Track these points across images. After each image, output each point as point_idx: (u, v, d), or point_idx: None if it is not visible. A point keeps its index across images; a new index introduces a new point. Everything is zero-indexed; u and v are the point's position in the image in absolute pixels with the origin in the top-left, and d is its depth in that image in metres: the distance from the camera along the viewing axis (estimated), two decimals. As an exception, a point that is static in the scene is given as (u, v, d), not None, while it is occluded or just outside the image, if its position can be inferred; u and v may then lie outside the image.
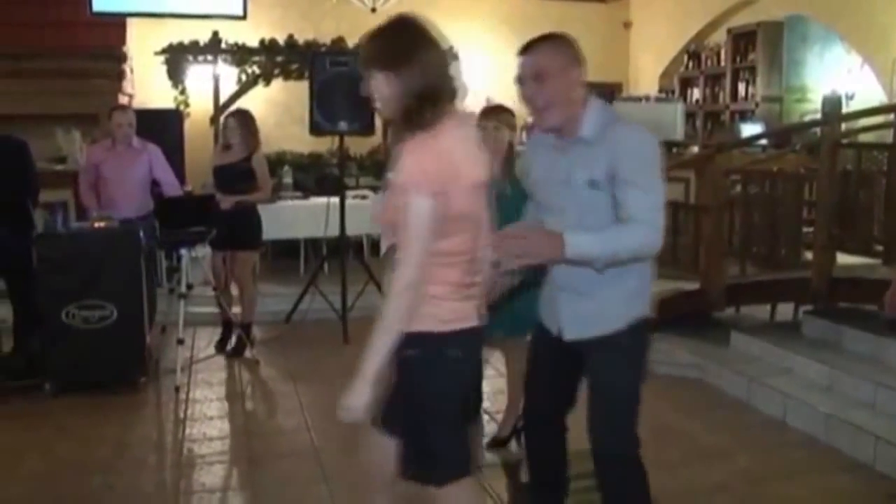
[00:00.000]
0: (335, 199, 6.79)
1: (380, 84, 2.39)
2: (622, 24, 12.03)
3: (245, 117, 6.02)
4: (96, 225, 5.28)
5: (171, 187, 6.05)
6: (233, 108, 6.68)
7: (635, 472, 2.77)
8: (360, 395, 2.36)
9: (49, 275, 5.07)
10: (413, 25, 2.44)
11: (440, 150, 2.30)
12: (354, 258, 7.26)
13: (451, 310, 2.42)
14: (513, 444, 4.31)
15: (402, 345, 2.38)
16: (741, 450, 4.37)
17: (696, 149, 9.27)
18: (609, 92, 11.57)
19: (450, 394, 2.51)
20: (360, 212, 7.49)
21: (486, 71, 10.77)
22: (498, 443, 4.31)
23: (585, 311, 2.72)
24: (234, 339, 6.10)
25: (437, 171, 2.28)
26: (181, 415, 4.94)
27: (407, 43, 2.40)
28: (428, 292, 2.37)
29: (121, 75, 8.85)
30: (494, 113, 4.12)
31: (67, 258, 5.10)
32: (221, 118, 6.17)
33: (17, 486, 3.98)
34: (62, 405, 5.00)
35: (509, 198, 3.53)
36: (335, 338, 6.36)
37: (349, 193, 6.68)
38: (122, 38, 8.91)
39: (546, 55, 2.65)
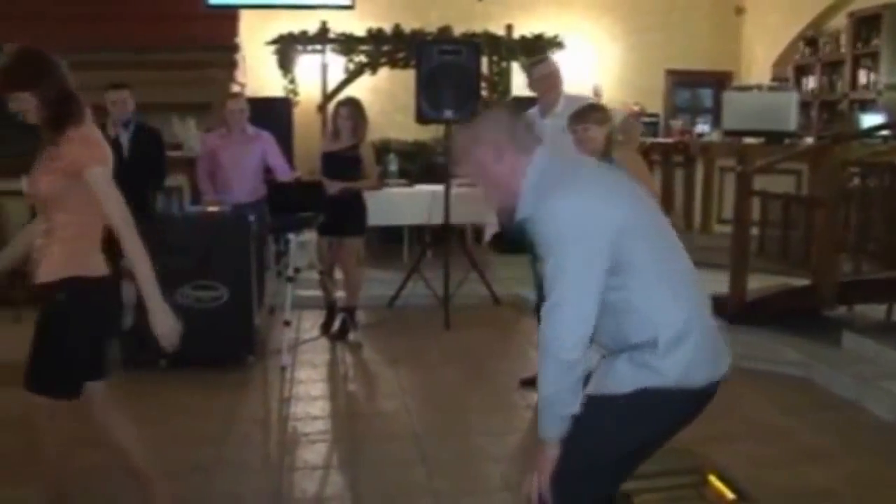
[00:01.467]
0: (439, 188, 6.85)
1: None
2: (734, 10, 11.69)
3: (355, 106, 6.12)
4: (209, 209, 5.47)
5: (284, 173, 6.20)
6: (344, 96, 6.79)
7: None
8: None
9: (165, 256, 5.28)
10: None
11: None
12: (457, 246, 7.30)
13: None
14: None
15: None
16: (849, 453, 4.21)
17: (809, 140, 8.96)
18: (718, 81, 11.32)
19: None
20: (464, 200, 7.52)
21: (591, 61, 10.67)
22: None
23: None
24: (338, 323, 6.23)
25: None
26: (286, 394, 5.08)
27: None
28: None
29: (233, 65, 9.12)
30: (581, 116, 4.13)
31: (182, 241, 5.31)
32: (331, 106, 6.28)
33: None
34: (175, 380, 5.20)
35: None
36: (436, 324, 6.43)
37: (454, 182, 6.71)
38: (234, 30, 9.19)
39: (456, 146, 2.51)
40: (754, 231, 6.26)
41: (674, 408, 2.25)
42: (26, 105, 2.89)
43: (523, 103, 8.48)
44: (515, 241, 2.43)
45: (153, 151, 5.76)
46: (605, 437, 2.25)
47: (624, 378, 2.22)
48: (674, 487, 2.98)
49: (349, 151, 6.02)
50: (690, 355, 2.18)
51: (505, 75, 9.89)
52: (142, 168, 5.54)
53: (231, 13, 9.16)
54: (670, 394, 2.19)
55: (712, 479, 2.85)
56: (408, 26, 9.48)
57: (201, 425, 4.53)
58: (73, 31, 8.59)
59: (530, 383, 5.01)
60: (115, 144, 5.61)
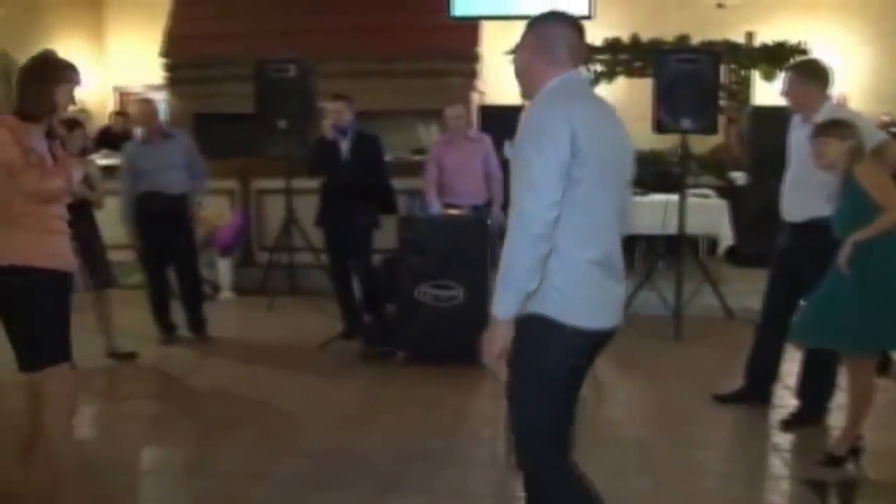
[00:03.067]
0: (674, 197, 6.77)
1: None
2: None
3: None
4: (450, 212, 5.75)
5: (496, 177, 6.35)
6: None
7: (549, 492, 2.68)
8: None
9: (407, 255, 5.62)
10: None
11: None
12: (690, 257, 7.18)
13: None
14: (849, 466, 4.08)
15: None
16: None
17: None
18: None
19: None
20: (699, 211, 7.39)
21: (838, 69, 10.06)
22: (832, 460, 4.10)
23: None
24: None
25: None
26: (515, 393, 5.22)
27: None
28: None
29: (473, 74, 9.46)
30: (821, 130, 4.00)
31: (424, 240, 5.61)
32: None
33: (374, 438, 4.49)
34: (411, 373, 5.51)
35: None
36: (666, 335, 6.37)
37: (689, 192, 6.61)
38: (475, 40, 9.51)
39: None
40: None
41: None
42: None
43: (765, 113, 8.20)
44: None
45: (371, 156, 6.11)
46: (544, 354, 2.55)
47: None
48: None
49: None
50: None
51: (745, 84, 9.58)
52: (360, 171, 5.94)
53: (473, 24, 9.49)
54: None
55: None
56: (645, 35, 9.41)
57: (433, 418, 4.77)
58: (331, 43, 9.27)
59: (728, 399, 4.90)
60: (334, 149, 6.04)
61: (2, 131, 3.14)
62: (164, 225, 6.11)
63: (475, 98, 9.22)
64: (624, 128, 2.68)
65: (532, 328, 2.53)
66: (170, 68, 10.07)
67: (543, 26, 2.64)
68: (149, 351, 6.12)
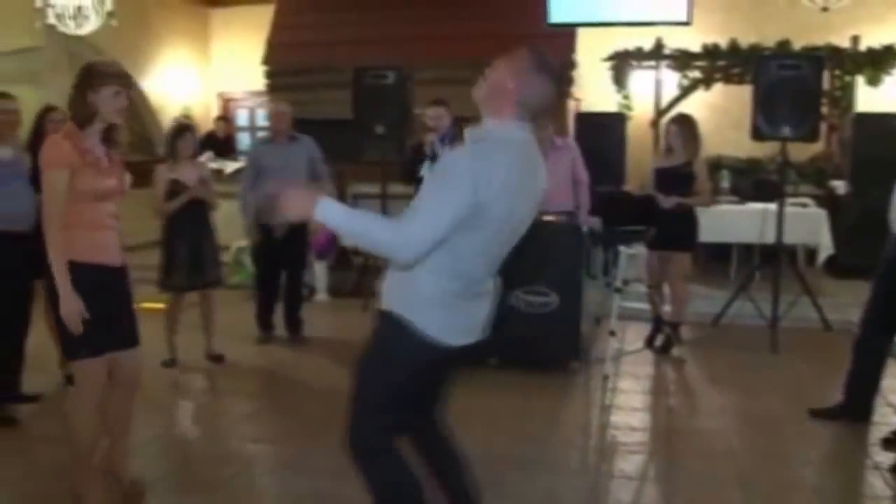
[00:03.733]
0: (772, 206, 6.66)
1: None
2: None
3: (686, 123, 6.16)
4: (545, 217, 5.77)
5: (584, 185, 6.34)
6: (676, 113, 6.84)
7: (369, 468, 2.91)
8: None
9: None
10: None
11: None
12: (788, 267, 7.04)
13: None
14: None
15: None
16: None
17: None
18: None
19: None
20: (798, 220, 7.25)
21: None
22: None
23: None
24: (662, 337, 6.28)
25: None
26: (607, 402, 5.23)
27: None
28: None
29: (569, 81, 9.45)
30: None
31: (519, 246, 5.63)
32: (663, 122, 6.37)
33: (465, 443, 4.53)
34: (503, 378, 5.55)
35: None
36: (762, 346, 6.27)
37: (788, 201, 6.49)
38: (572, 47, 9.51)
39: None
40: None
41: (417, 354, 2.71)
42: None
43: (868, 120, 7.99)
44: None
45: None
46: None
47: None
48: None
49: (682, 168, 6.06)
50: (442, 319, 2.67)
51: (848, 90, 9.33)
52: None
53: (569, 31, 9.50)
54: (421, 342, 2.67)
55: None
56: (744, 41, 9.28)
57: (526, 424, 4.81)
58: (426, 50, 9.41)
59: (825, 414, 4.79)
60: (432, 155, 6.13)
61: (62, 140, 3.43)
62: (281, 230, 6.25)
63: (571, 105, 9.22)
64: (542, 178, 2.81)
65: (392, 325, 2.72)
66: (271, 75, 10.38)
67: (531, 76, 2.67)
68: (246, 349, 6.33)
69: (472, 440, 4.54)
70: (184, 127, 5.95)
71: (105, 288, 3.51)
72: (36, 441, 4.60)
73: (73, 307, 3.35)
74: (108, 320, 3.50)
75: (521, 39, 9.26)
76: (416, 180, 6.21)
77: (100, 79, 3.48)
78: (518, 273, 5.59)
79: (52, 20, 7.37)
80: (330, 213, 2.56)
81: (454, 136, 6.18)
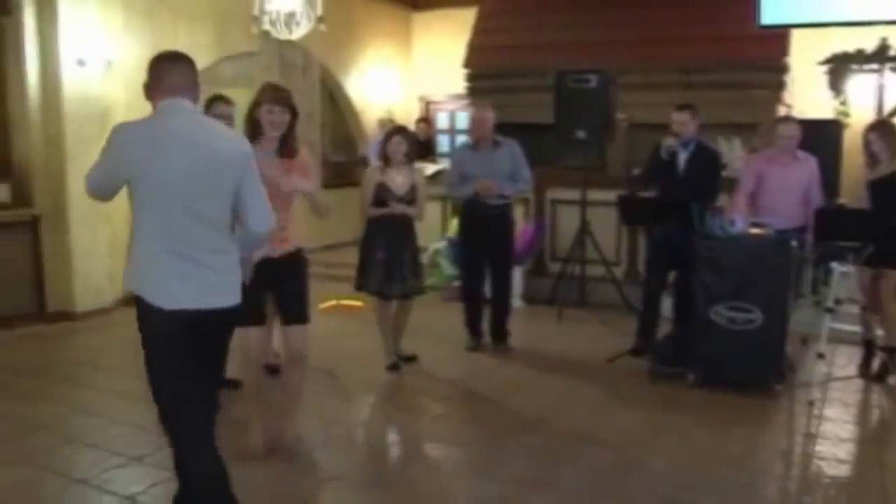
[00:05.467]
0: None
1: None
2: None
3: (885, 130, 5.72)
4: (752, 231, 5.48)
5: (815, 204, 5.88)
6: (875, 120, 6.32)
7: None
8: None
9: (703, 272, 5.45)
10: None
11: None
12: None
13: None
14: None
15: None
16: None
17: None
18: None
19: None
20: None
21: None
22: None
23: None
24: (877, 363, 5.82)
25: None
26: (812, 430, 4.89)
27: None
28: None
29: (780, 86, 8.97)
30: None
31: (722, 260, 5.40)
32: (863, 131, 5.88)
33: (657, 460, 4.39)
34: (699, 396, 5.34)
35: None
36: None
37: None
38: (784, 49, 9.00)
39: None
40: None
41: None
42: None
43: None
44: None
45: (707, 171, 5.95)
46: None
47: None
48: None
49: (892, 178, 5.58)
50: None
51: None
52: (693, 185, 5.80)
53: (782, 32, 9.00)
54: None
55: None
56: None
57: (721, 446, 4.58)
58: (630, 54, 9.21)
59: None
60: (671, 161, 5.93)
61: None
62: (485, 233, 6.27)
63: (781, 111, 8.73)
64: (222, 141, 3.12)
65: (138, 307, 3.04)
66: (472, 78, 10.48)
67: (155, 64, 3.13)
68: (441, 351, 6.41)
69: (662, 459, 4.41)
70: (395, 130, 5.94)
71: (260, 273, 3.90)
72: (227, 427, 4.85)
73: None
74: (258, 303, 4.13)
75: (728, 42, 8.95)
76: (658, 183, 6.09)
77: (259, 97, 4.17)
78: (720, 287, 5.36)
79: (266, 26, 7.75)
80: None
81: (698, 144, 6.00)
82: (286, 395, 4.49)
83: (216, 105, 5.38)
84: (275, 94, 4.13)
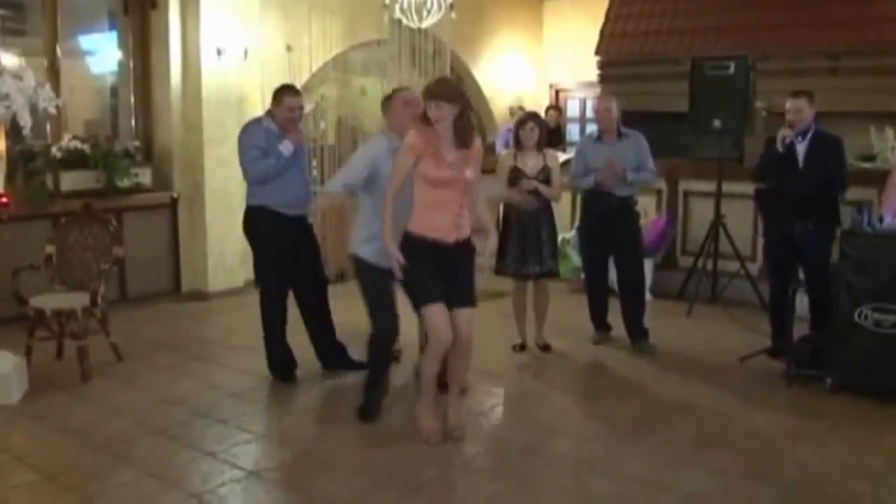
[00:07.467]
0: None
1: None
2: None
3: None
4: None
5: None
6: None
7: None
8: None
9: (848, 272, 5.12)
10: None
11: None
12: None
13: None
14: None
15: None
16: None
17: None
18: None
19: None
20: None
21: None
22: None
23: None
24: None
25: None
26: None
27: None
28: None
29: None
30: None
31: (869, 258, 5.06)
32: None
33: (789, 469, 4.15)
34: (839, 403, 5.03)
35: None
36: None
37: None
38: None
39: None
40: None
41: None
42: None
43: None
44: None
45: (831, 160, 5.58)
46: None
47: None
48: None
49: None
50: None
51: None
52: (817, 176, 5.48)
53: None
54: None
55: None
56: None
57: (862, 456, 4.30)
58: (771, 39, 8.78)
59: None
60: (790, 153, 5.61)
61: (416, 133, 4.29)
62: (608, 225, 6.13)
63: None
64: None
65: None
66: (603, 65, 10.24)
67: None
68: (570, 343, 6.30)
69: (794, 468, 4.16)
70: (528, 116, 6.00)
71: (434, 258, 4.24)
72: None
73: (391, 259, 4.27)
74: (437, 283, 4.28)
75: (881, 24, 8.41)
76: (775, 176, 5.74)
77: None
78: (867, 287, 5.03)
79: (398, 15, 7.82)
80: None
81: (816, 132, 5.63)
82: (452, 380, 4.52)
83: (286, 97, 5.29)
84: (426, 91, 4.32)
